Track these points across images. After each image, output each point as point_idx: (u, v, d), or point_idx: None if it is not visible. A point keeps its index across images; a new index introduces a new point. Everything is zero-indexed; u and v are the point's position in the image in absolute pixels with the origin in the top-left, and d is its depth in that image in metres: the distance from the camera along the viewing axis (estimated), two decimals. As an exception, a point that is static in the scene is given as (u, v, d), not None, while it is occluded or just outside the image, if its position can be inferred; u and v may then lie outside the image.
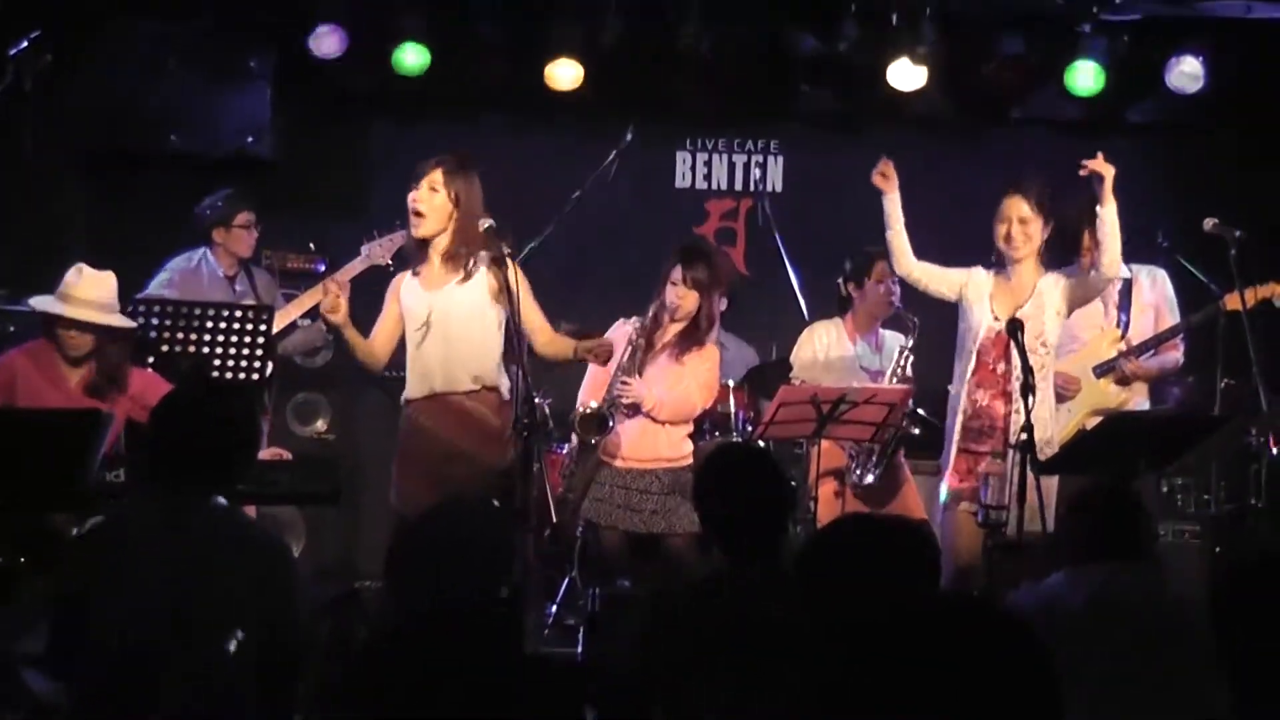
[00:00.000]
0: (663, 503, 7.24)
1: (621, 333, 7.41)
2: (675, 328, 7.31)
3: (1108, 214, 6.83)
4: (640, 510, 7.25)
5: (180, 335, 6.79)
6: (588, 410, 7.21)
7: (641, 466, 7.29)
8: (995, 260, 7.12)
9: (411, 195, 6.58)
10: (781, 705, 3.86)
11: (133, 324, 6.59)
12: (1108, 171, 6.81)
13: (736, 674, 4.08)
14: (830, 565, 3.60)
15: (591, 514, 7.33)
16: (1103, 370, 7.57)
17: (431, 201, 6.55)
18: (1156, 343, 7.61)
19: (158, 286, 8.06)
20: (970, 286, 7.08)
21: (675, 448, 7.35)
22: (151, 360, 6.75)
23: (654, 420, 7.28)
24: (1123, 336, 7.62)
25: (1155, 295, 7.74)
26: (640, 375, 7.26)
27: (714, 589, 4.44)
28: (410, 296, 6.68)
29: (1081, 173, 6.84)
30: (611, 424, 7.17)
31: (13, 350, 6.72)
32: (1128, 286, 7.67)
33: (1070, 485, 6.58)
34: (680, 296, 7.23)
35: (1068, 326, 7.29)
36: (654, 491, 7.26)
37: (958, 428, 6.99)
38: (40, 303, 6.55)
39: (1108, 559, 4.77)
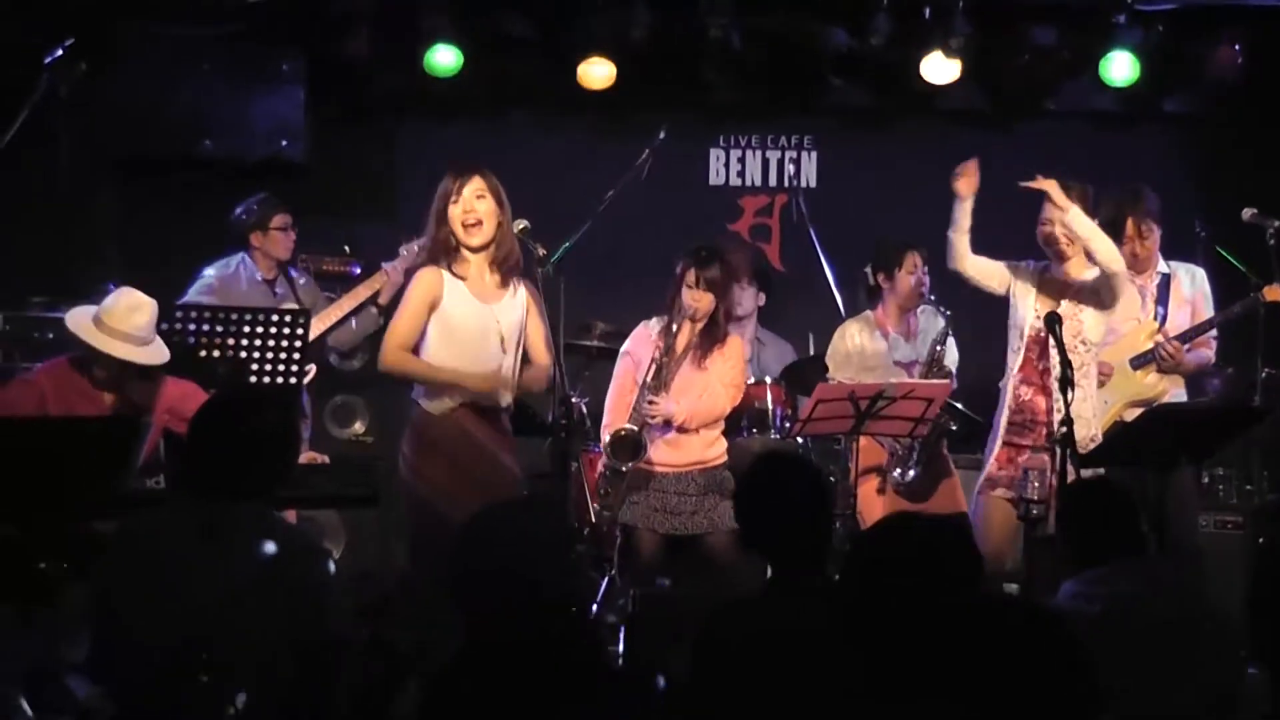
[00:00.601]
0: (700, 503, 7.25)
1: (643, 336, 7.40)
2: (694, 328, 7.30)
3: (1073, 219, 6.86)
4: (679, 513, 7.24)
5: (218, 340, 6.78)
6: (620, 433, 7.19)
7: (676, 471, 7.30)
8: (1042, 255, 7.13)
9: (458, 209, 6.49)
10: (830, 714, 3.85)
11: (163, 357, 6.41)
12: (1048, 186, 6.87)
13: (787, 686, 4.07)
14: (875, 568, 3.60)
15: (628, 517, 7.31)
16: (1140, 362, 7.55)
17: (482, 208, 6.50)
18: (1195, 333, 7.58)
19: (196, 292, 8.08)
20: (1016, 282, 7.11)
21: (709, 448, 7.35)
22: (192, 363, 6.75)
23: (685, 430, 7.29)
24: (1160, 329, 7.60)
25: (1193, 291, 7.71)
26: (667, 390, 7.25)
27: (762, 600, 4.42)
28: (464, 305, 6.52)
29: (1025, 186, 6.92)
30: (645, 449, 7.17)
31: (37, 370, 6.64)
32: (1166, 281, 7.66)
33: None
34: (696, 299, 7.20)
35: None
36: (691, 493, 7.25)
37: (1004, 421, 7.01)
38: (75, 323, 6.38)
39: (1111, 560, 4.74)
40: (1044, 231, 7.04)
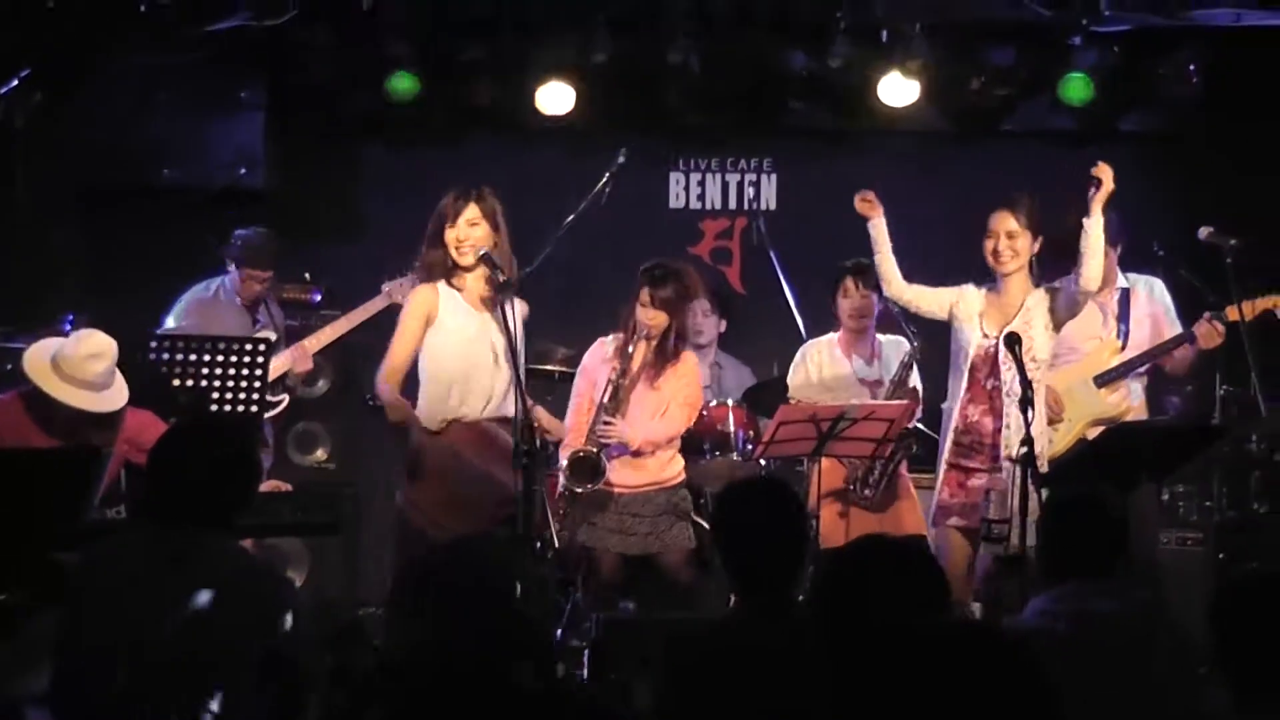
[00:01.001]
0: (655, 524, 7.31)
1: (599, 354, 7.45)
2: (649, 347, 7.34)
3: (1093, 226, 6.88)
4: (635, 533, 7.31)
5: (178, 370, 6.77)
6: (579, 455, 7.23)
7: (632, 492, 7.34)
8: (987, 277, 7.15)
9: (453, 235, 6.67)
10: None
11: (120, 402, 6.34)
12: (1108, 183, 6.85)
13: (753, 710, 4.06)
14: (842, 590, 3.61)
15: (586, 539, 7.38)
16: (1104, 380, 7.58)
17: (477, 234, 6.67)
18: (1160, 352, 7.63)
19: (175, 317, 8.04)
20: (960, 305, 7.12)
21: (665, 468, 7.41)
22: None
23: (641, 453, 7.34)
24: (1123, 347, 7.63)
25: (1153, 305, 7.76)
26: (623, 412, 7.28)
27: (729, 624, 4.40)
28: (460, 314, 6.71)
29: (1093, 171, 6.89)
30: (603, 472, 7.22)
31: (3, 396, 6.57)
32: (1126, 297, 7.70)
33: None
34: (650, 318, 7.26)
35: (1066, 338, 7.33)
36: (646, 514, 7.31)
37: (949, 444, 7.03)
38: (33, 366, 6.27)
39: (1084, 576, 4.74)
40: (990, 245, 7.05)
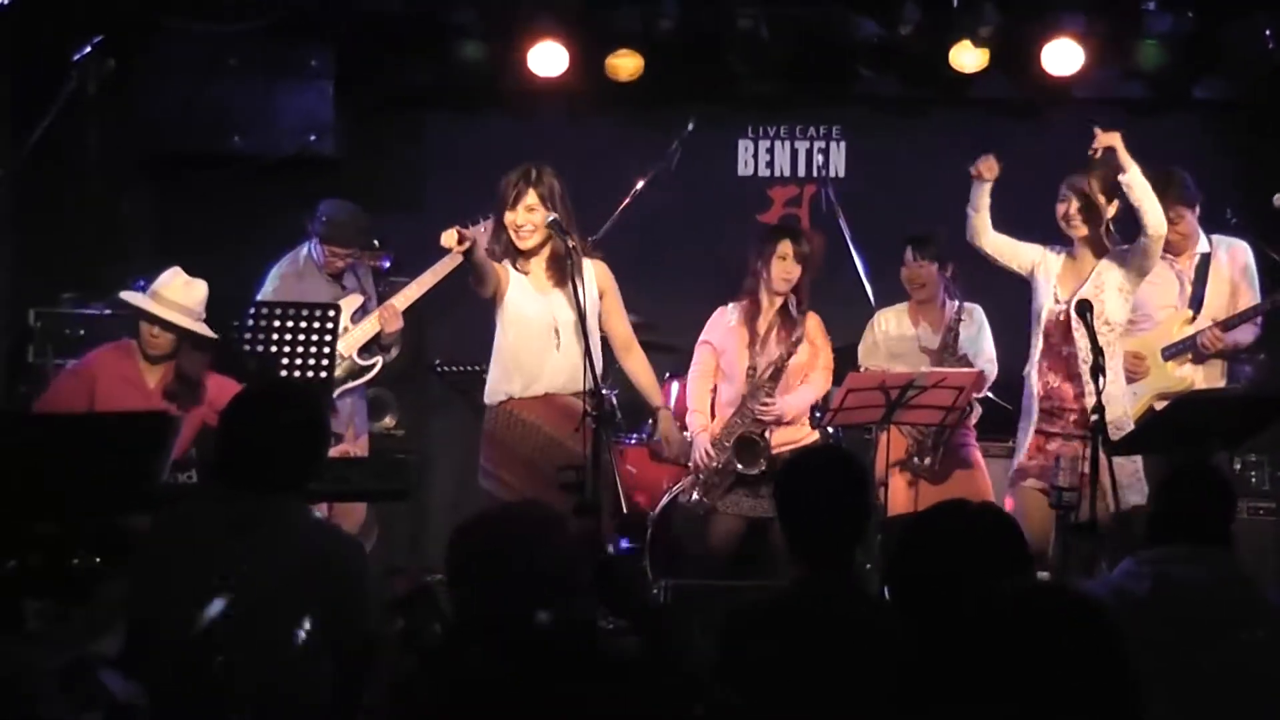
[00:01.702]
0: None
1: (722, 323, 7.47)
2: (772, 309, 7.35)
3: (1133, 178, 6.85)
4: (768, 495, 7.27)
5: (248, 335, 6.82)
6: (747, 438, 7.26)
7: (775, 454, 7.31)
8: (1063, 241, 7.12)
9: (512, 218, 6.71)
10: (860, 712, 3.83)
11: (213, 335, 6.71)
12: (1114, 140, 6.87)
13: (815, 683, 4.05)
14: (923, 558, 3.61)
15: (722, 505, 7.39)
16: (1171, 353, 7.53)
17: (532, 219, 6.68)
18: (1238, 320, 7.55)
19: (265, 295, 8.05)
20: (1041, 267, 7.11)
21: (795, 430, 7.42)
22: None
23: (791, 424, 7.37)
24: (1194, 316, 7.57)
25: (1233, 269, 7.68)
26: (781, 390, 7.31)
27: (794, 599, 4.39)
28: (523, 297, 6.74)
29: (1092, 154, 6.90)
30: (769, 450, 7.24)
31: (96, 350, 6.94)
32: (1206, 262, 7.62)
33: (1155, 464, 6.64)
34: (788, 272, 7.29)
35: (1142, 304, 7.31)
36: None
37: (1035, 409, 7.00)
38: (129, 296, 6.78)
39: (1186, 542, 4.71)
40: (1063, 209, 7.04)
